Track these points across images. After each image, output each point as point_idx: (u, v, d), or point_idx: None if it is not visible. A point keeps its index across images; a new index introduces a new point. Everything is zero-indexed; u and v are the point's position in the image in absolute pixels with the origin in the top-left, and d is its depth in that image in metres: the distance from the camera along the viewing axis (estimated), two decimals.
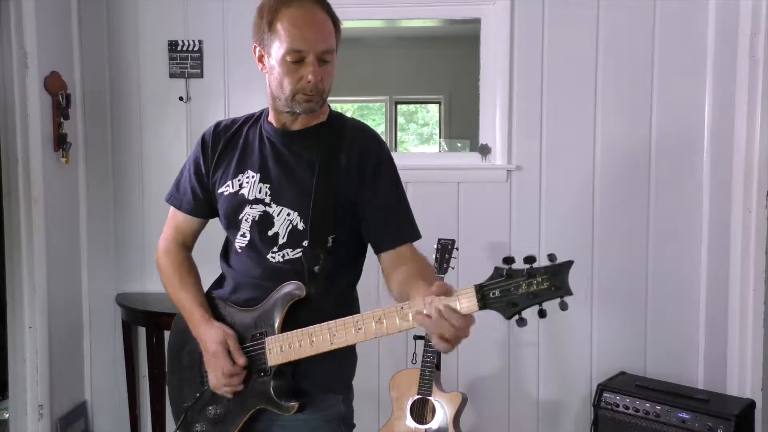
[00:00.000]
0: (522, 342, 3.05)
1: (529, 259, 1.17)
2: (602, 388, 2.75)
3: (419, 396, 2.62)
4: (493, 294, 1.19)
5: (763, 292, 2.74)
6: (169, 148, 3.14)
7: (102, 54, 3.15)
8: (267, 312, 1.47)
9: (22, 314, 2.83)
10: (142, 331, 3.11)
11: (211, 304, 1.56)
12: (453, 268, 2.68)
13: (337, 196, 1.49)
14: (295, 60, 1.42)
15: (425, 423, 2.60)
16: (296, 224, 1.48)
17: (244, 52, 3.08)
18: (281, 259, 1.49)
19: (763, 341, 2.75)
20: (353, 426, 1.61)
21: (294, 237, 1.49)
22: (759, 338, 2.75)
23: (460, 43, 3.93)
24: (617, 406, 2.67)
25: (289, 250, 1.49)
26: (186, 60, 3.10)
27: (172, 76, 3.12)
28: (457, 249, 2.71)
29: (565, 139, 2.99)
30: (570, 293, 1.16)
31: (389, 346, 2.97)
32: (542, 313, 1.18)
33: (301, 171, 1.51)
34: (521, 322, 1.18)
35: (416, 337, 2.70)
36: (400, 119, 5.71)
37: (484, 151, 3.06)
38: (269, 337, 1.45)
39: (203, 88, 3.12)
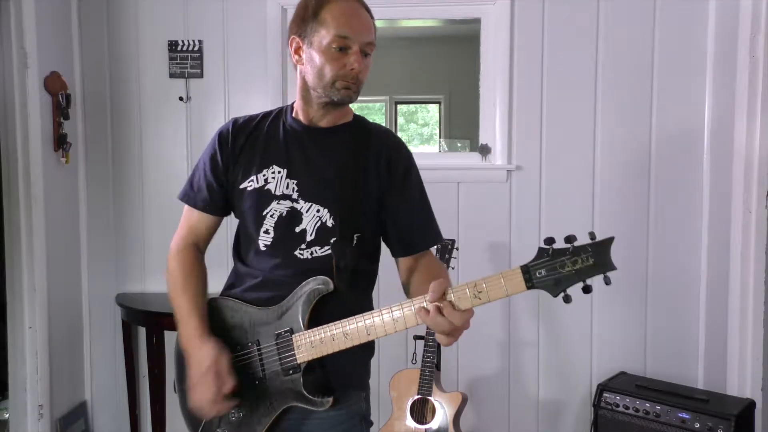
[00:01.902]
0: (522, 342, 3.05)
1: (570, 238, 1.22)
2: (602, 388, 2.75)
3: (419, 396, 2.62)
4: (540, 274, 1.23)
5: (763, 292, 2.74)
6: (169, 148, 3.14)
7: (102, 54, 3.15)
8: (291, 308, 1.45)
9: (22, 314, 2.83)
10: (142, 331, 3.11)
11: (227, 305, 1.52)
12: (453, 268, 2.68)
13: (367, 195, 1.51)
14: (341, 47, 1.44)
15: (425, 423, 2.60)
16: (325, 221, 1.48)
17: (244, 52, 3.10)
18: (309, 257, 1.48)
19: (763, 341, 2.75)
20: (371, 423, 1.62)
21: (322, 234, 1.48)
22: (759, 338, 2.75)
23: (460, 43, 3.94)
24: (617, 406, 2.67)
25: (317, 248, 1.48)
26: (186, 60, 3.10)
27: (172, 76, 3.12)
28: (457, 249, 2.71)
29: (565, 139, 2.99)
30: (614, 268, 1.21)
31: (389, 346, 2.96)
32: (587, 289, 1.22)
33: (330, 168, 1.51)
34: (567, 299, 1.23)
35: (416, 337, 2.70)
36: (400, 119, 5.71)
37: (484, 151, 3.06)
38: (297, 334, 1.43)
39: (203, 88, 3.13)
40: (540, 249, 1.24)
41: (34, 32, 2.78)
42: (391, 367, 2.78)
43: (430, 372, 2.60)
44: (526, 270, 1.24)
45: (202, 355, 1.43)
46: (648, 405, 2.62)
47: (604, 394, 2.72)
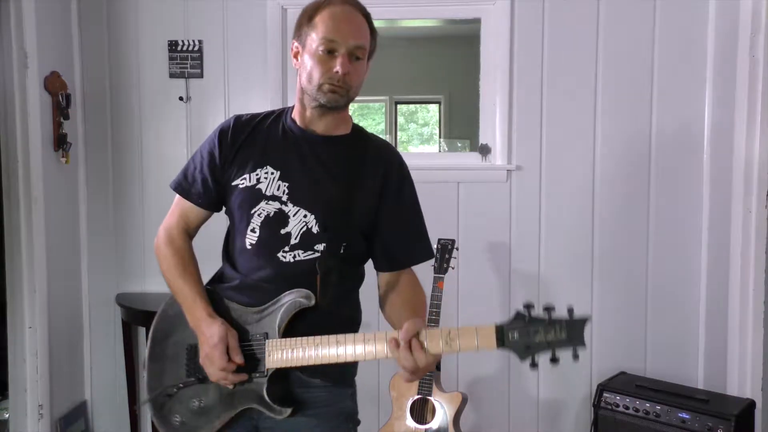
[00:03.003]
0: None
1: (549, 309, 1.26)
2: (602, 388, 2.75)
3: (419, 396, 2.62)
4: (512, 336, 1.27)
5: (763, 292, 2.74)
6: (169, 148, 3.15)
7: (102, 54, 3.15)
8: (271, 314, 1.47)
9: (22, 314, 2.83)
10: (142, 331, 3.11)
11: (212, 298, 1.55)
12: (453, 268, 2.68)
13: (357, 208, 1.52)
14: (328, 50, 1.46)
15: (425, 423, 2.60)
16: (311, 227, 1.49)
17: (244, 52, 3.10)
18: (292, 260, 1.50)
19: (763, 341, 2.75)
20: (359, 422, 1.62)
21: (306, 239, 1.49)
22: (759, 338, 2.75)
23: (460, 43, 3.94)
24: (617, 406, 2.67)
25: (300, 252, 1.50)
26: (186, 60, 3.10)
27: (172, 76, 3.12)
28: (457, 249, 2.71)
29: (565, 139, 2.99)
30: (584, 345, 1.25)
31: None
32: (554, 361, 1.25)
33: (324, 177, 1.52)
34: (533, 366, 1.27)
35: None
36: (400, 119, 5.71)
37: (484, 151, 3.06)
38: (270, 340, 1.45)
39: (203, 88, 3.13)
40: (517, 313, 1.28)
41: (34, 32, 2.78)
42: (391, 367, 2.78)
43: (430, 372, 2.60)
44: (500, 330, 1.28)
45: (213, 331, 1.47)
46: (648, 405, 2.61)
47: (604, 394, 2.72)
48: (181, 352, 1.56)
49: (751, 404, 2.63)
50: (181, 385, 1.54)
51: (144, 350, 3.04)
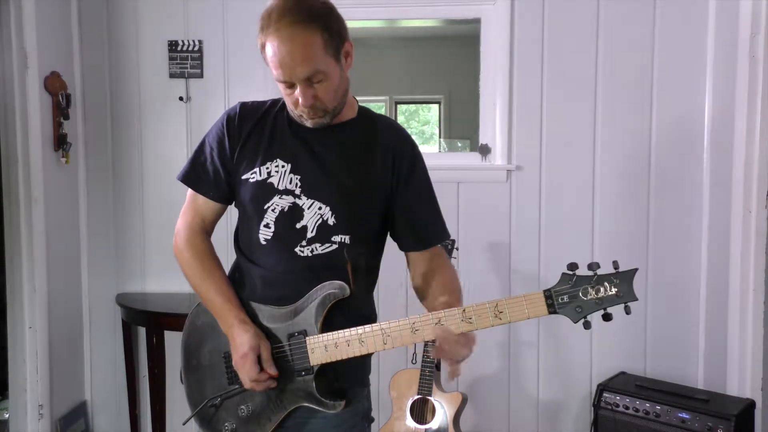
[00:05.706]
0: (522, 342, 3.05)
1: (593, 266, 1.24)
2: (602, 388, 2.75)
3: (419, 396, 2.62)
4: (562, 299, 1.26)
5: (763, 292, 2.74)
6: (169, 148, 3.15)
7: (102, 54, 3.15)
8: (305, 310, 1.45)
9: (22, 314, 2.83)
10: (142, 331, 3.11)
11: (242, 305, 1.51)
12: None
13: (372, 193, 1.49)
14: (286, 86, 1.41)
15: (425, 423, 2.60)
16: (326, 219, 1.47)
17: (244, 52, 3.10)
18: (310, 254, 1.47)
19: (763, 341, 2.75)
20: (373, 419, 1.62)
21: (323, 231, 1.47)
22: (759, 338, 2.75)
23: (460, 43, 3.93)
24: (617, 406, 2.67)
25: (318, 245, 1.47)
26: (186, 60, 3.10)
27: (172, 76, 3.12)
28: (457, 249, 2.71)
29: (565, 139, 2.99)
30: (635, 299, 1.25)
31: None
32: (607, 317, 1.25)
33: (335, 166, 1.49)
34: (587, 325, 1.26)
35: None
36: (401, 118, 5.71)
37: (484, 151, 3.06)
38: (310, 337, 1.44)
39: (203, 88, 3.13)
40: (564, 274, 1.26)
41: (34, 32, 2.78)
42: (391, 367, 2.78)
43: (430, 372, 2.60)
44: (549, 295, 1.26)
45: (243, 340, 1.44)
46: (648, 405, 2.62)
47: (604, 394, 2.72)
48: (218, 361, 1.53)
49: (751, 404, 2.63)
50: (224, 394, 1.52)
51: (143, 351, 3.07)
